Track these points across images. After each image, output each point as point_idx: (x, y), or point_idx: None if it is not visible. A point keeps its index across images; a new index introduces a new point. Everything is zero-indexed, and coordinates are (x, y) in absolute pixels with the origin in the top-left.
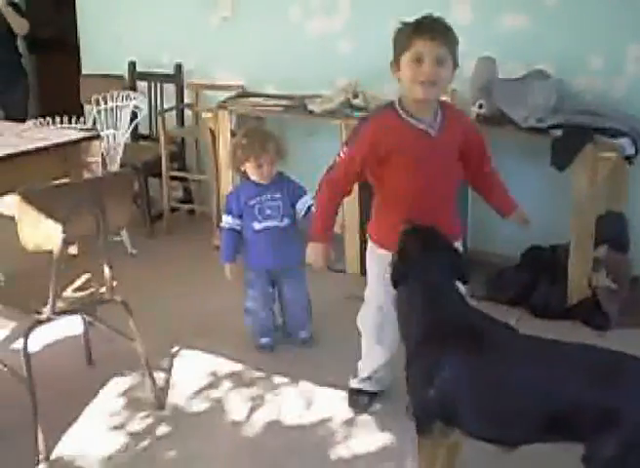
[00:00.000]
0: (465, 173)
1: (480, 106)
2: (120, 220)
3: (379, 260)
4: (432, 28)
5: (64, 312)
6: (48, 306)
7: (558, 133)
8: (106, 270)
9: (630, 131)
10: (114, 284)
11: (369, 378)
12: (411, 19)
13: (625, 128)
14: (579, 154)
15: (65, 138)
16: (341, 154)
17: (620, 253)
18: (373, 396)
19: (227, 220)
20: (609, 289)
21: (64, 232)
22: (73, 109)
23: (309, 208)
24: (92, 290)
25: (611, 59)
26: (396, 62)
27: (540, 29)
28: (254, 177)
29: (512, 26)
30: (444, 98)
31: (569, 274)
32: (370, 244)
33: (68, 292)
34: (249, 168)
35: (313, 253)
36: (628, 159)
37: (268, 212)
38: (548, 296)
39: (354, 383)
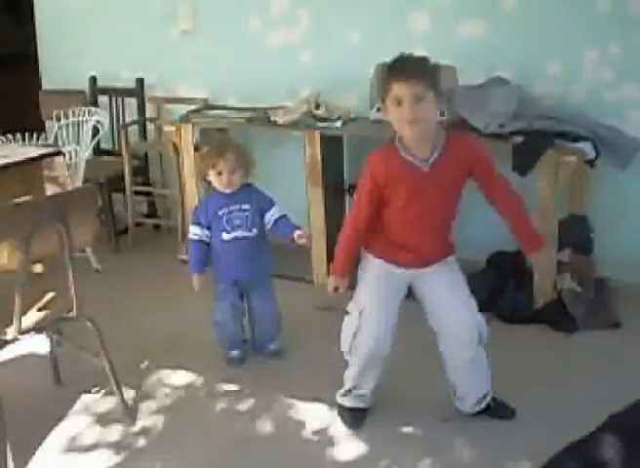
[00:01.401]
0: (487, 198)
1: (442, 114)
2: (85, 237)
3: (373, 266)
4: (404, 70)
5: (30, 331)
6: (12, 326)
7: (519, 138)
8: (71, 288)
9: (591, 135)
10: (80, 301)
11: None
12: (370, 29)
13: (586, 132)
14: (540, 159)
15: (26, 156)
16: (358, 195)
17: (584, 255)
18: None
19: (195, 231)
20: (574, 291)
21: (27, 251)
22: (35, 125)
23: (277, 220)
24: (57, 308)
25: (569, 65)
26: (384, 104)
27: (498, 36)
28: (217, 186)
29: (471, 34)
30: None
31: (534, 278)
32: (365, 254)
33: (33, 312)
34: (211, 177)
35: (333, 283)
36: (589, 163)
37: (237, 222)
38: (515, 301)
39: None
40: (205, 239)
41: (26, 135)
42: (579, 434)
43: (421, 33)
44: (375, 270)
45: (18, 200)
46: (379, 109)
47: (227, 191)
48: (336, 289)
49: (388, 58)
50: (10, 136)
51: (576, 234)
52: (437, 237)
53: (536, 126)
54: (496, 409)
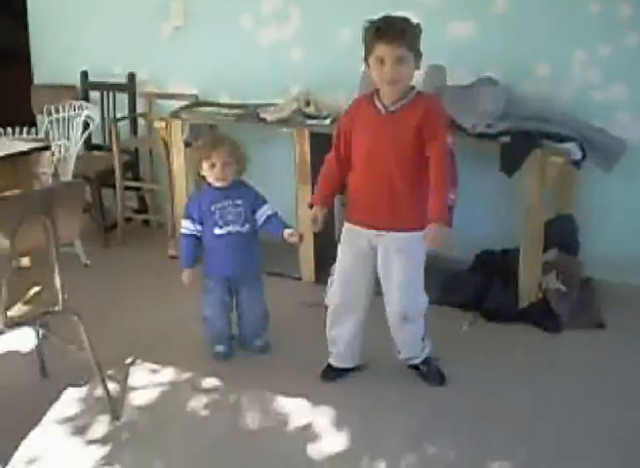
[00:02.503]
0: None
1: (418, 68)
2: (71, 231)
3: (346, 231)
4: (389, 32)
5: (15, 324)
6: None
7: (506, 139)
8: (57, 282)
9: (577, 136)
10: (65, 295)
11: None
12: (358, 27)
13: (572, 133)
14: (527, 159)
15: (14, 150)
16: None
17: (570, 255)
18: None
19: (187, 226)
20: (559, 291)
21: (12, 244)
22: (26, 120)
23: (268, 217)
24: (43, 302)
25: (557, 66)
26: (366, 61)
27: (487, 37)
28: (210, 180)
29: (460, 34)
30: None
31: (520, 277)
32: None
33: (19, 305)
34: (205, 170)
35: (313, 212)
36: (576, 163)
37: (230, 217)
38: (500, 300)
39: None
40: (196, 234)
41: (17, 129)
42: (556, 433)
43: None
44: (346, 235)
45: (4, 193)
46: None
47: (220, 185)
48: (315, 219)
49: None
50: (0, 129)
51: (562, 234)
52: (392, 195)
53: (523, 126)
54: (426, 373)
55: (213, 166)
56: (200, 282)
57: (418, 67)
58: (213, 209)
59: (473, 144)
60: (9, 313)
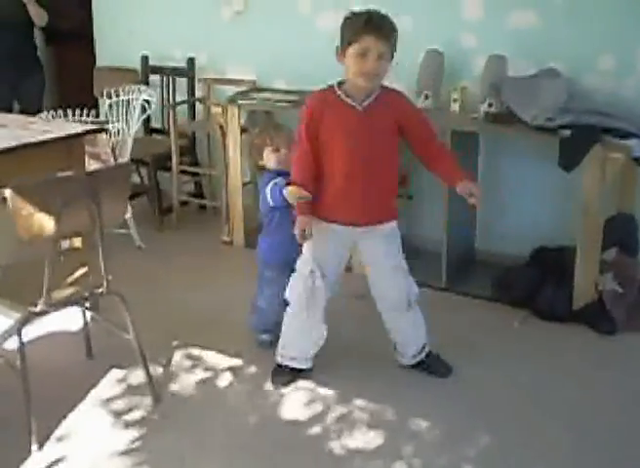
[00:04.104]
0: (411, 146)
1: (489, 105)
2: (116, 214)
3: (318, 229)
4: (380, 27)
5: (59, 305)
6: (42, 299)
7: (567, 132)
8: (102, 264)
9: None
10: (110, 277)
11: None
12: (422, 15)
13: (635, 129)
14: (587, 155)
15: (69, 131)
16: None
17: (630, 256)
18: (298, 373)
19: (280, 181)
20: (615, 292)
21: (58, 225)
22: (89, 101)
23: None
24: (88, 283)
25: (622, 59)
26: (342, 50)
27: (551, 27)
28: (272, 165)
29: (523, 24)
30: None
31: (575, 276)
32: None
33: (64, 286)
34: (267, 155)
35: (303, 223)
36: (637, 160)
37: None
38: (554, 299)
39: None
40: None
41: (82, 110)
42: (609, 435)
43: (473, 21)
44: (321, 233)
45: (50, 176)
46: (427, 97)
47: (283, 170)
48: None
49: (439, 46)
50: (60, 111)
51: (621, 234)
52: (375, 192)
53: (584, 120)
54: (432, 365)
55: (277, 150)
56: (249, 266)
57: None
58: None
59: (532, 137)
60: (53, 294)
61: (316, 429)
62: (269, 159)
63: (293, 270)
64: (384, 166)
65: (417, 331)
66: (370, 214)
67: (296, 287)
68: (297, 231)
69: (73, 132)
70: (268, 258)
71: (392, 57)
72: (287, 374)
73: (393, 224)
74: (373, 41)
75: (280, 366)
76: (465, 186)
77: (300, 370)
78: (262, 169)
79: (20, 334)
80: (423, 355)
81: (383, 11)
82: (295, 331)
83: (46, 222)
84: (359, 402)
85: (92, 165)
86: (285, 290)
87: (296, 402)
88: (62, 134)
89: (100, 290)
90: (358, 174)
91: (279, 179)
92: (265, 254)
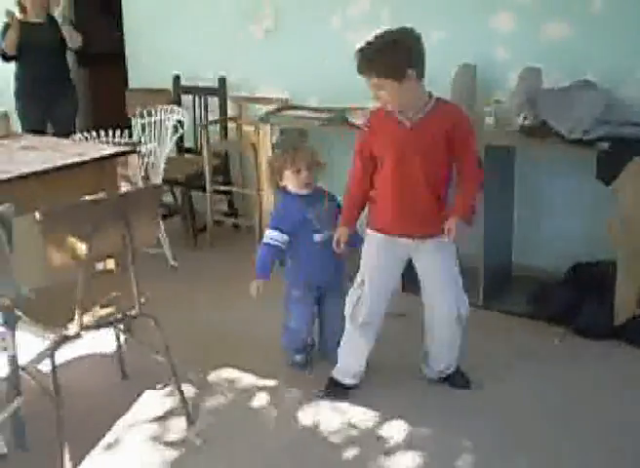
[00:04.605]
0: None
1: (524, 118)
2: (147, 236)
3: (372, 239)
4: (360, 63)
5: (91, 327)
6: (74, 321)
7: (604, 145)
8: (134, 286)
9: None
10: (143, 299)
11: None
12: (453, 29)
13: None
14: (625, 167)
15: (100, 153)
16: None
17: None
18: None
19: (274, 236)
20: None
21: (88, 250)
22: (122, 123)
23: None
24: (121, 305)
25: None
26: None
27: (585, 38)
28: (294, 187)
29: (557, 36)
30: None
31: (616, 291)
32: (366, 230)
33: (97, 308)
34: (288, 178)
35: (339, 232)
36: None
37: (326, 221)
38: (594, 315)
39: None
40: (282, 246)
41: (115, 131)
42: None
43: (506, 33)
44: (373, 244)
45: (79, 200)
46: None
47: (306, 191)
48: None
49: (471, 59)
50: (94, 132)
51: None
52: (428, 202)
53: (622, 132)
54: (454, 379)
55: (298, 171)
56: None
57: (407, 79)
58: (309, 216)
59: (568, 151)
60: (85, 317)
61: (353, 451)
62: (290, 181)
63: (319, 289)
64: (435, 179)
65: (453, 349)
66: (422, 226)
67: (349, 297)
68: (334, 240)
69: (105, 153)
70: (293, 278)
71: (402, 76)
72: (336, 389)
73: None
74: (364, 77)
75: (332, 379)
76: (448, 222)
77: (349, 388)
78: (284, 189)
79: (52, 357)
80: (450, 372)
81: (418, 26)
82: (344, 345)
83: (77, 247)
84: (395, 423)
85: (123, 187)
86: (312, 309)
87: (332, 423)
88: (94, 156)
89: (133, 312)
90: (408, 187)
91: (271, 237)
92: (291, 274)
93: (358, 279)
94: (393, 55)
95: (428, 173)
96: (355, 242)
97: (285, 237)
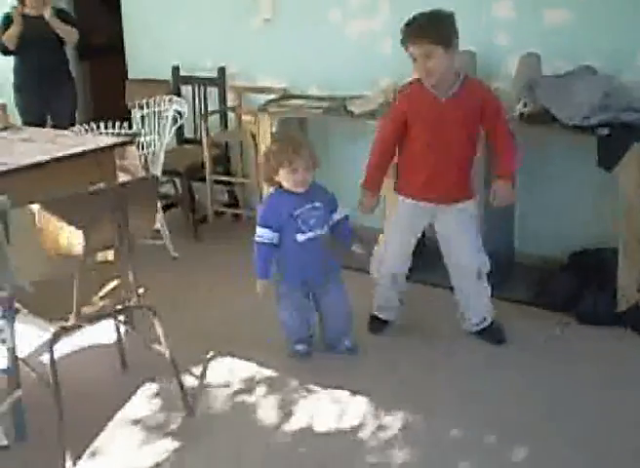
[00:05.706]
0: (485, 132)
1: (524, 104)
2: (144, 226)
3: (400, 204)
4: (411, 32)
5: (90, 319)
6: (72, 313)
7: (605, 131)
8: (131, 277)
9: None
10: (141, 290)
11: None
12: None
13: None
14: (626, 153)
15: (98, 145)
16: (384, 120)
17: None
18: (384, 323)
19: (265, 234)
20: None
21: (86, 241)
22: (122, 114)
23: (338, 223)
24: (119, 296)
25: None
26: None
27: (585, 24)
28: (288, 185)
29: (557, 21)
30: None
31: (618, 278)
32: (396, 195)
33: (96, 300)
34: (282, 175)
35: (364, 199)
36: None
37: (312, 221)
38: (596, 302)
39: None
40: (275, 242)
41: (114, 122)
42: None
43: (506, 20)
44: (403, 208)
45: (76, 191)
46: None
47: (301, 190)
48: (370, 208)
49: (471, 46)
50: (93, 124)
51: None
52: (454, 172)
53: (623, 118)
54: (490, 333)
55: (294, 171)
56: (276, 289)
57: (452, 49)
58: (295, 214)
59: (569, 137)
60: (84, 309)
61: (352, 442)
62: (285, 179)
63: (305, 285)
64: (463, 150)
65: (480, 301)
66: (449, 193)
67: (373, 257)
68: (359, 205)
69: (102, 144)
70: (278, 273)
71: (449, 46)
72: (375, 323)
73: (469, 202)
74: (412, 46)
75: (372, 316)
76: (495, 185)
77: (386, 321)
78: (278, 184)
79: (51, 350)
80: (485, 325)
81: (410, 13)
82: (377, 293)
83: (73, 239)
84: (395, 413)
85: (121, 177)
86: (301, 303)
87: (333, 413)
88: (91, 147)
89: (132, 303)
90: (440, 156)
91: (263, 236)
92: (277, 269)
93: (382, 238)
94: (444, 24)
95: (459, 144)
96: (347, 237)
97: (275, 234)
